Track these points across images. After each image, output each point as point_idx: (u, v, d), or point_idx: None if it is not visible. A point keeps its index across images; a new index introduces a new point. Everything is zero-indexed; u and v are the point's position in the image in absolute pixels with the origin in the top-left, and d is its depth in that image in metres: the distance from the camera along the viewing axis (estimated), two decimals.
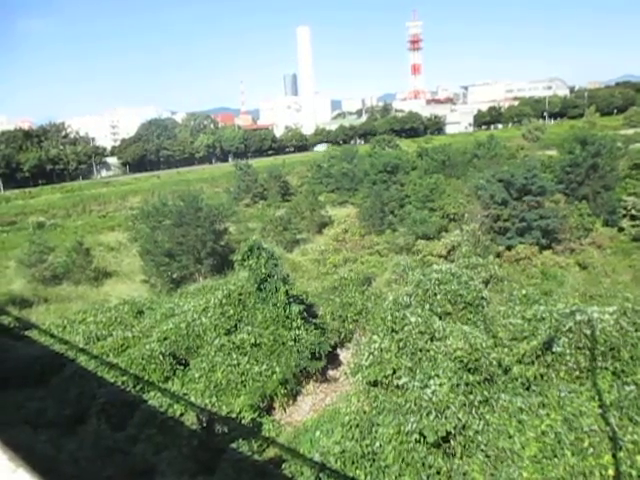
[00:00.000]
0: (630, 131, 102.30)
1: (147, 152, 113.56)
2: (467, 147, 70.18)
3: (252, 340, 18.75)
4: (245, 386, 17.59)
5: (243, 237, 38.03)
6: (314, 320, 20.71)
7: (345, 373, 17.01)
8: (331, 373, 20.42)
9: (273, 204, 63.50)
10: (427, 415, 11.70)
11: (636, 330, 13.72)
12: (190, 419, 15.81)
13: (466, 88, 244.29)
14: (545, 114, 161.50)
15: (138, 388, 17.85)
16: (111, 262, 42.36)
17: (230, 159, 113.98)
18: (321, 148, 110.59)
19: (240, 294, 20.36)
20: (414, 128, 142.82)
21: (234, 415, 16.51)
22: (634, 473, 9.77)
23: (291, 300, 19.62)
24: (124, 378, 18.03)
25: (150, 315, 24.19)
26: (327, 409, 17.84)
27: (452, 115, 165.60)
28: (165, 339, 19.87)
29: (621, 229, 38.04)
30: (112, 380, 17.90)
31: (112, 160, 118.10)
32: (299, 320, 19.21)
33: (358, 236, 42.79)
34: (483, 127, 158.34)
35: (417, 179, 50.32)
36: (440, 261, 28.57)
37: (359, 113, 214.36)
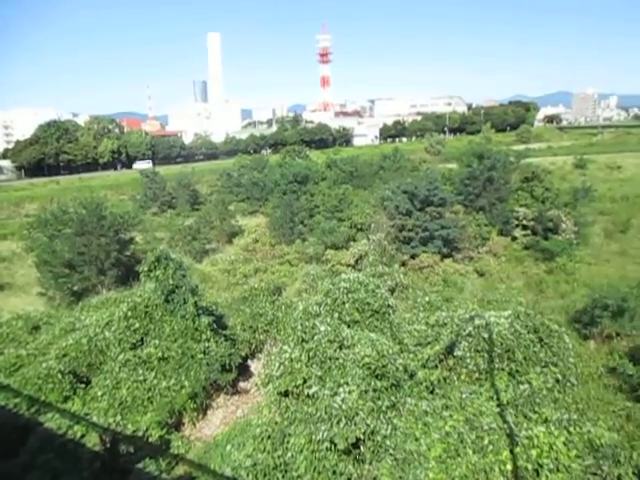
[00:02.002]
0: (521, 147, 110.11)
1: (45, 156, 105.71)
2: (374, 159, 72.40)
3: (159, 354, 18.09)
4: (152, 402, 16.94)
5: (150, 247, 36.69)
6: (224, 331, 20.37)
7: (256, 384, 16.89)
8: (242, 385, 20.19)
9: (182, 213, 62.05)
10: (337, 423, 11.88)
11: (528, 332, 14.75)
12: (92, 440, 14.93)
13: (373, 102, 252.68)
14: (446, 129, 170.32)
15: (33, 410, 16.57)
16: (2, 274, 39.30)
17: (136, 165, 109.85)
18: (142, 165, 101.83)
19: (147, 306, 19.58)
20: (323, 139, 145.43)
21: (140, 433, 15.82)
22: (529, 467, 10.44)
23: (200, 312, 19.21)
24: (17, 400, 16.67)
25: (47, 331, 22.53)
26: (238, 422, 17.59)
27: (359, 128, 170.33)
28: (64, 356, 18.60)
29: (514, 238, 40.80)
30: (2, 403, 16.52)
31: (4, 163, 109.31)
32: (209, 332, 18.84)
33: (268, 246, 42.76)
34: (389, 140, 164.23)
35: (326, 189, 51.22)
36: (348, 270, 29.17)
37: (269, 123, 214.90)
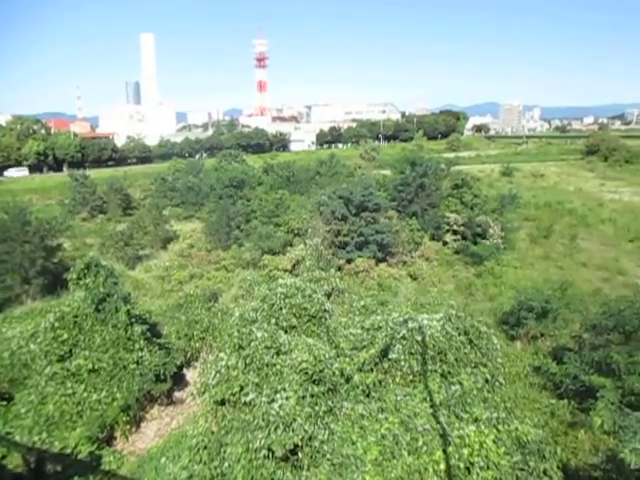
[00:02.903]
0: (452, 154, 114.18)
1: None
2: (310, 164, 72.86)
3: (90, 366, 17.34)
4: (82, 417, 16.22)
5: (79, 254, 35.18)
6: (158, 340, 19.85)
7: (192, 394, 16.52)
8: (177, 395, 19.70)
9: (113, 218, 59.97)
10: (275, 430, 11.82)
11: (459, 334, 15.24)
12: (14, 461, 14.11)
13: (309, 107, 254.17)
14: (380, 136, 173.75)
15: None
16: None
17: (65, 169, 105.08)
18: (15, 173, 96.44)
19: (75, 316, 18.74)
20: (260, 144, 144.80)
21: (69, 450, 15.11)
22: (461, 465, 10.75)
23: (133, 320, 18.61)
24: None
25: None
26: (173, 433, 17.15)
27: (296, 133, 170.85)
28: None
29: (445, 243, 42.14)
30: None
31: None
32: (142, 341, 18.28)
33: (204, 251, 42.06)
34: (325, 146, 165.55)
35: (263, 194, 51.07)
36: (285, 275, 29.13)
37: (205, 126, 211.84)
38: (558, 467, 11.07)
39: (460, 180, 48.03)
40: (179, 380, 20.08)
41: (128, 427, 17.25)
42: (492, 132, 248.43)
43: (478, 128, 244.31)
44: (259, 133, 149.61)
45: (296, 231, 39.89)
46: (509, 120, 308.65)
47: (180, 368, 20.31)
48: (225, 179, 54.17)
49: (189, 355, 21.11)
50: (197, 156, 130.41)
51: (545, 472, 10.70)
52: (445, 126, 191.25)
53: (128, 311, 18.45)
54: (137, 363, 17.68)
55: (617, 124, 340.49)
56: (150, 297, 30.65)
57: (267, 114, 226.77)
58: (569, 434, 16.24)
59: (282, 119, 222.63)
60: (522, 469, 10.63)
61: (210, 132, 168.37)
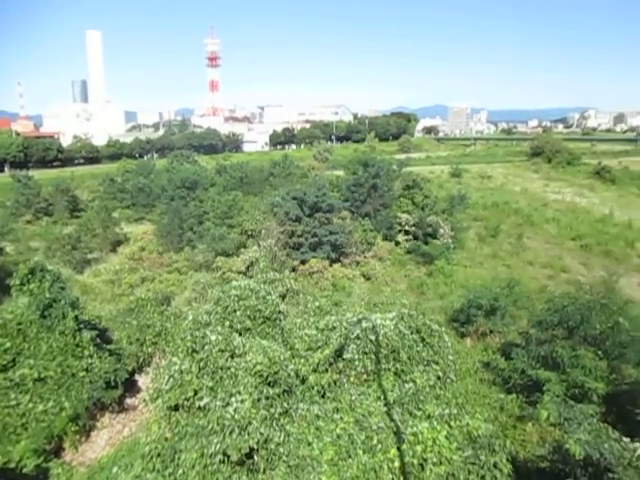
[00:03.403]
0: (403, 156, 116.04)
1: None
2: (264, 165, 72.60)
3: (35, 375, 16.68)
4: (27, 429, 15.58)
5: (23, 258, 33.74)
6: (109, 346, 19.31)
7: (144, 400, 16.16)
8: (129, 402, 19.24)
9: (60, 221, 57.92)
10: (230, 434, 11.70)
11: (412, 333, 15.49)
12: None
13: (262, 108, 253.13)
14: (333, 137, 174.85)
15: None
16: None
17: (6, 169, 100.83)
18: None
19: (19, 323, 17.98)
20: (213, 145, 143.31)
21: (13, 464, 14.51)
22: (415, 462, 10.94)
23: (82, 326, 18.05)
24: None
25: None
26: (125, 441, 16.73)
27: (249, 134, 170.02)
28: None
29: (397, 243, 42.77)
30: None
31: None
32: (91, 347, 17.75)
33: (156, 254, 41.28)
34: (278, 147, 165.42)
35: (216, 196, 50.46)
36: (239, 277, 28.89)
37: (156, 126, 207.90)
38: (507, 460, 11.41)
39: (411, 181, 48.91)
40: (131, 386, 19.62)
41: (77, 437, 16.71)
42: (441, 134, 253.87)
43: (428, 130, 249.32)
44: (211, 133, 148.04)
45: (250, 232, 39.59)
46: (458, 122, 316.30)
47: (132, 374, 19.84)
48: (177, 180, 53.25)
49: (141, 360, 20.65)
50: (148, 156, 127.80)
51: (495, 465, 11.01)
52: (396, 128, 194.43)
53: (76, 317, 17.88)
54: (86, 370, 17.16)
55: (560, 127, 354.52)
56: (100, 302, 29.85)
57: (220, 114, 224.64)
58: (517, 427, 16.78)
59: (235, 119, 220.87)
60: (473, 463, 10.91)
61: (161, 132, 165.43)
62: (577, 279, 32.53)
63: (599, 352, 17.06)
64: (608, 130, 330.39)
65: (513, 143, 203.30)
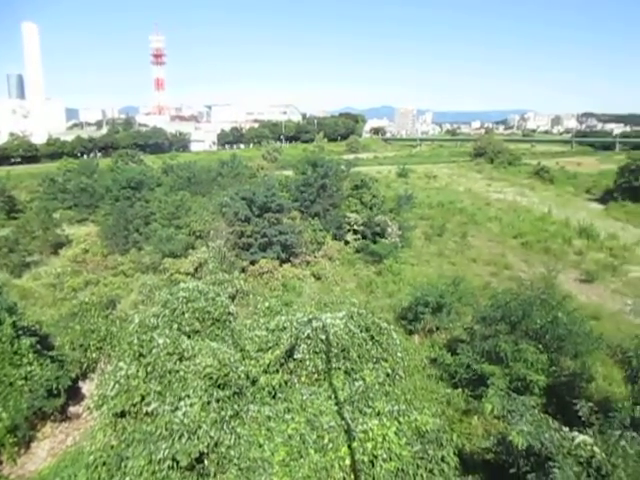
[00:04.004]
0: (351, 156, 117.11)
1: None
2: (212, 165, 71.63)
3: None
4: None
5: None
6: (50, 353, 18.61)
7: (89, 407, 15.64)
8: (73, 410, 18.60)
9: None
10: (179, 438, 11.49)
11: (361, 331, 15.65)
12: None
13: (210, 107, 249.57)
14: (282, 137, 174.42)
15: None
16: None
17: None
18: None
19: None
20: (159, 144, 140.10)
21: None
22: (366, 459, 11.07)
23: (20, 332, 17.32)
24: None
25: None
26: (68, 451, 16.16)
27: (197, 133, 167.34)
28: None
29: (347, 242, 43.13)
30: None
31: None
32: (31, 355, 17.05)
33: (100, 256, 40.08)
34: (226, 146, 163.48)
35: (163, 196, 49.47)
36: (188, 279, 28.45)
37: (99, 124, 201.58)
38: (454, 453, 11.73)
39: (360, 181, 49.42)
40: (74, 394, 18.98)
41: (16, 449, 16.01)
42: (388, 135, 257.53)
43: (375, 131, 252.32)
44: (157, 132, 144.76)
45: (198, 233, 39.02)
46: (404, 123, 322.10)
47: (75, 381, 19.19)
48: (122, 180, 51.70)
49: (85, 367, 20.00)
50: (90, 155, 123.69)
51: (443, 459, 11.30)
52: (344, 128, 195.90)
53: (14, 323, 17.16)
54: (25, 379, 16.48)
55: (501, 129, 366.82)
56: (40, 307, 28.74)
57: (165, 113, 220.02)
58: (464, 421, 17.27)
59: (181, 118, 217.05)
60: (422, 458, 11.15)
61: (104, 130, 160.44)
62: (519, 276, 33.77)
63: (540, 346, 17.74)
64: (546, 132, 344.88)
65: (457, 144, 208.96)
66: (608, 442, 10.38)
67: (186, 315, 16.32)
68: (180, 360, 13.69)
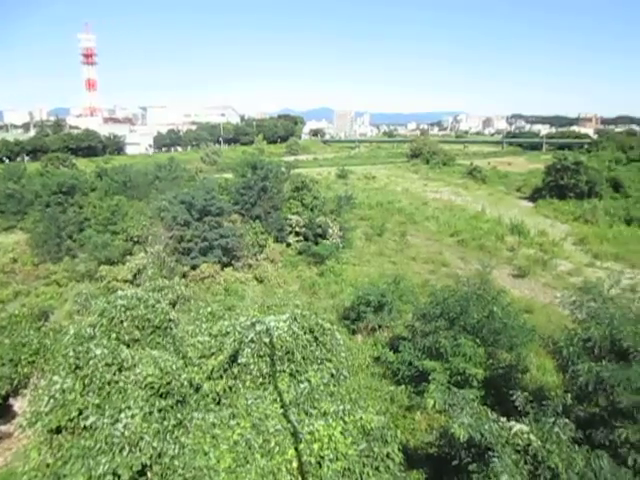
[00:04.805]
0: (291, 158, 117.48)
1: None
2: (148, 168, 69.85)
3: None
4: None
5: None
6: None
7: (21, 425, 14.87)
8: (3, 429, 17.65)
9: None
10: (120, 452, 11.11)
11: (305, 333, 15.67)
12: None
13: (145, 109, 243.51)
14: (221, 139, 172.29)
15: None
16: None
17: None
18: None
19: None
20: (92, 147, 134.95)
21: None
22: (313, 460, 11.07)
23: None
24: None
25: None
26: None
27: (132, 136, 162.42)
28: None
29: (289, 244, 43.17)
30: None
31: None
32: None
33: (31, 265, 38.27)
34: (163, 149, 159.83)
35: (97, 201, 47.90)
36: (126, 286, 27.67)
37: (26, 127, 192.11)
38: (399, 449, 11.93)
39: (300, 183, 49.56)
40: (5, 412, 18.01)
41: None
42: (327, 136, 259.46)
43: (315, 132, 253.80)
44: (90, 135, 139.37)
45: (136, 239, 37.98)
46: (342, 125, 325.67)
47: (5, 398, 18.19)
48: (53, 185, 49.41)
49: (16, 383, 18.95)
50: (17, 160, 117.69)
51: (388, 455, 11.47)
52: (284, 130, 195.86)
53: None
54: None
55: (435, 130, 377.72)
56: None
57: (98, 115, 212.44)
58: (407, 417, 17.63)
59: (115, 120, 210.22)
60: (368, 455, 11.28)
61: (32, 133, 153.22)
62: (456, 272, 34.84)
63: (477, 340, 18.33)
64: (478, 133, 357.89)
65: (394, 145, 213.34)
66: (543, 429, 10.85)
67: (125, 324, 15.80)
68: (119, 370, 13.24)
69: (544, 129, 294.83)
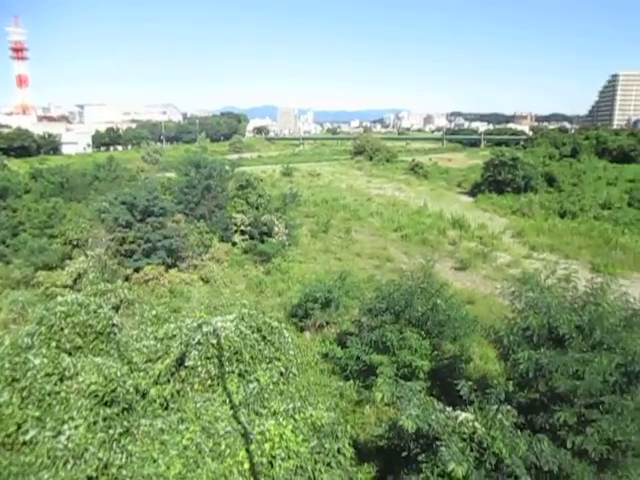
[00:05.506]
0: (235, 156, 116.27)
1: None
2: (87, 169, 67.63)
3: None
4: None
5: None
6: None
7: None
8: None
9: None
10: (64, 465, 10.71)
11: (253, 332, 15.61)
12: None
13: (82, 107, 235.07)
14: (162, 137, 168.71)
15: None
16: None
17: None
18: None
19: None
20: (25, 147, 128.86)
21: None
22: (264, 460, 11.03)
23: None
24: None
25: None
26: None
27: (68, 135, 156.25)
28: None
29: (234, 243, 42.73)
30: None
31: None
32: None
33: None
34: (102, 148, 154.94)
35: (32, 203, 45.89)
36: (66, 291, 26.65)
37: None
38: (349, 444, 12.10)
39: (245, 181, 49.17)
40: None
41: None
42: (271, 134, 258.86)
43: (258, 130, 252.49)
44: (22, 134, 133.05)
45: (75, 242, 36.59)
46: (286, 122, 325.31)
47: None
48: None
49: None
50: None
51: (339, 450, 11.61)
52: (227, 128, 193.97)
53: None
54: None
55: (378, 127, 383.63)
56: None
57: (31, 113, 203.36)
58: (357, 411, 17.87)
59: (50, 119, 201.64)
60: (319, 452, 11.37)
61: None
62: (400, 267, 35.53)
63: (422, 332, 18.76)
64: (419, 130, 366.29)
65: (338, 142, 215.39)
66: (487, 417, 11.25)
67: (65, 331, 15.23)
68: (61, 380, 12.76)
69: (482, 126, 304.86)
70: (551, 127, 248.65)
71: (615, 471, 11.46)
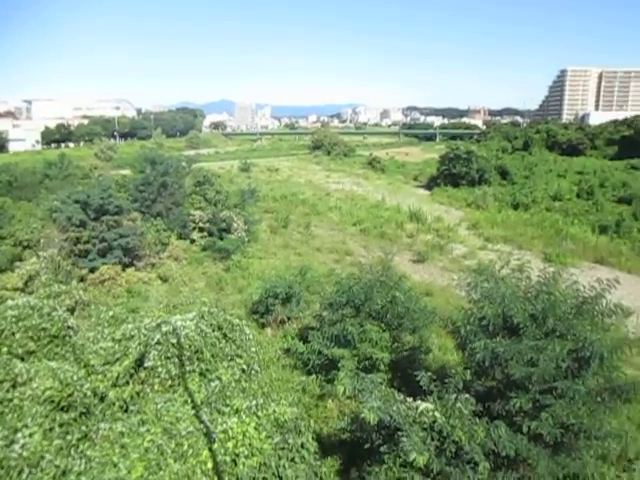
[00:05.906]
0: (192, 152, 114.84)
1: None
2: (37, 167, 65.47)
3: None
4: None
5: None
6: None
7: None
8: None
9: None
10: (18, 475, 10.37)
11: (213, 330, 15.47)
12: None
13: (30, 102, 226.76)
14: (116, 134, 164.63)
15: None
16: None
17: None
18: None
19: None
20: None
21: None
22: (228, 459, 10.95)
23: None
24: None
25: None
26: None
27: (16, 131, 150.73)
28: None
29: (193, 241, 42.16)
30: None
31: None
32: None
33: None
34: (53, 145, 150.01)
35: None
36: (17, 295, 25.73)
37: None
38: (313, 438, 12.17)
39: (202, 177, 48.55)
40: None
41: None
42: (229, 129, 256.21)
43: (215, 125, 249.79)
44: None
45: (26, 243, 35.33)
46: (244, 118, 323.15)
47: None
48: None
49: None
50: None
51: (302, 445, 11.66)
52: (183, 124, 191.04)
53: None
54: None
55: (336, 122, 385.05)
56: None
57: None
58: (319, 406, 17.95)
59: None
60: (283, 448, 11.39)
61: None
62: (359, 261, 35.79)
63: (382, 325, 18.98)
64: (376, 124, 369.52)
65: (296, 137, 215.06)
66: (446, 406, 11.51)
67: (17, 335, 14.74)
68: (13, 387, 12.35)
69: (437, 120, 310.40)
70: (504, 121, 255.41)
71: (569, 453, 11.92)
